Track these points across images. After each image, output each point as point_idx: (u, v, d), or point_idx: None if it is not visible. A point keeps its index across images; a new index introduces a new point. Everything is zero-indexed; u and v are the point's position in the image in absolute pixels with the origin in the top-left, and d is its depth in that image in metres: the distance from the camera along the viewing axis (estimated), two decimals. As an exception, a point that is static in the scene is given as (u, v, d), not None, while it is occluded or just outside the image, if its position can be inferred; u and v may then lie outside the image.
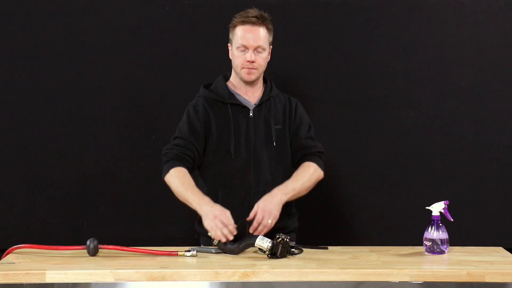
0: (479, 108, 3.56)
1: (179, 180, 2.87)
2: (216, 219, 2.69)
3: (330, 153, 3.45)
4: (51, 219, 3.56)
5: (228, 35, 3.01)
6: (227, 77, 3.09)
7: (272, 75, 3.15)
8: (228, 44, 3.03)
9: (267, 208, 2.78)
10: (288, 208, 2.95)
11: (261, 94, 3.04)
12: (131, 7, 3.53)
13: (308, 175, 2.94)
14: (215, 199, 2.87)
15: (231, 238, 2.67)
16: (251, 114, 2.99)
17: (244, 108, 3.00)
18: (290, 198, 2.88)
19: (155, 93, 3.56)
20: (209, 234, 2.68)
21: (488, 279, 2.41)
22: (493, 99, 3.56)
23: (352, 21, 3.56)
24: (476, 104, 3.56)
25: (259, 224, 2.77)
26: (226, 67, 3.10)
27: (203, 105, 3.00)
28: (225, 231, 2.67)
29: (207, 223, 2.72)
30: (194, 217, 3.37)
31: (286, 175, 2.95)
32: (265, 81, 3.09)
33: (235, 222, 2.72)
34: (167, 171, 2.90)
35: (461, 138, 3.57)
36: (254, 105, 3.01)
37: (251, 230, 2.77)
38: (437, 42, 3.54)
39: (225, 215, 2.72)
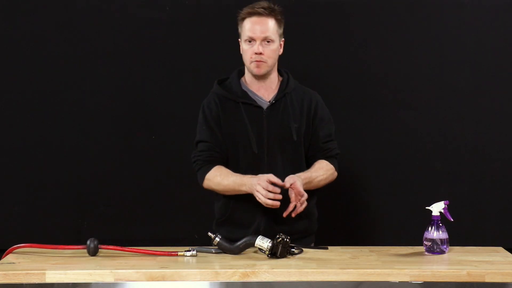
0: (479, 108, 3.56)
1: (217, 179, 2.84)
2: (258, 190, 2.70)
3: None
4: (51, 219, 3.56)
5: (238, 30, 2.92)
6: (241, 72, 2.98)
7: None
8: (239, 39, 2.91)
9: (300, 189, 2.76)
10: (310, 207, 2.91)
11: (276, 91, 2.94)
12: (131, 7, 3.53)
13: (324, 173, 2.91)
14: (226, 199, 2.89)
15: (279, 197, 2.67)
16: (264, 114, 2.89)
17: (257, 108, 2.90)
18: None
19: (155, 93, 3.56)
20: (209, 234, 2.67)
21: (488, 279, 2.40)
22: (493, 99, 3.55)
23: (351, 21, 3.56)
24: (476, 104, 3.56)
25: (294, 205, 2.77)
26: (226, 67, 3.09)
27: (215, 101, 2.91)
28: (271, 196, 2.68)
29: (257, 197, 2.72)
30: (194, 217, 3.38)
31: None
32: (281, 74, 2.98)
33: (251, 223, 2.79)
34: (203, 178, 2.88)
35: (461, 138, 3.57)
36: (268, 103, 2.91)
37: (285, 214, 2.77)
38: (437, 42, 3.54)
39: (262, 179, 2.71)
